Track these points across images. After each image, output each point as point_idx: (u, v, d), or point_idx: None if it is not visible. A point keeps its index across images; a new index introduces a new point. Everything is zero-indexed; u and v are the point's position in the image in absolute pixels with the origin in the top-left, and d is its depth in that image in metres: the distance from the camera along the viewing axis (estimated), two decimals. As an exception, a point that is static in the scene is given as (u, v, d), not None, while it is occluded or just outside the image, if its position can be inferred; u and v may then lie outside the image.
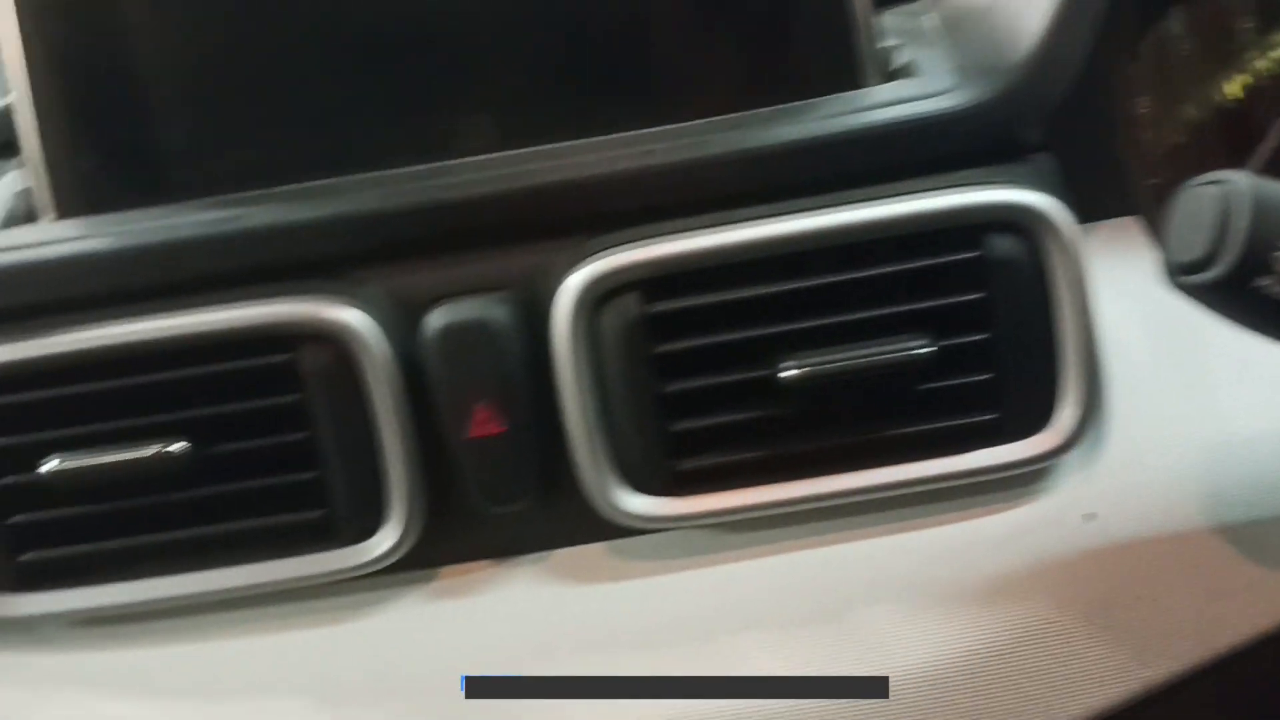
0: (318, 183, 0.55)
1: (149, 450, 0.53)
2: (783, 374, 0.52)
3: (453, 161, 0.55)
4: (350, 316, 0.53)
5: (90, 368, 0.54)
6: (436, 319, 0.54)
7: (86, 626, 0.58)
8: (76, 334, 0.53)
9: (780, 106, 0.55)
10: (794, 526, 0.56)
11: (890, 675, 0.53)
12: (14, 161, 0.60)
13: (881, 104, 0.53)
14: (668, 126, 0.55)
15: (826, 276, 0.53)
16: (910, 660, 0.53)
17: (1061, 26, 0.53)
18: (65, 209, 0.56)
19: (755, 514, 0.55)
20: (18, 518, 0.55)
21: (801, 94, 0.55)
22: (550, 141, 0.55)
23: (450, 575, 0.58)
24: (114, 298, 0.54)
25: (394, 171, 0.55)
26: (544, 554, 0.58)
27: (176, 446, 0.53)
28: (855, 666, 0.53)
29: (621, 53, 0.56)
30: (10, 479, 0.54)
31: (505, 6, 0.55)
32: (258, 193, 0.55)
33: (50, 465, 0.53)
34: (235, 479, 0.54)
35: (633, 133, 0.55)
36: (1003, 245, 0.53)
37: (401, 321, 0.54)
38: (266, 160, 0.56)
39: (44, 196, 0.56)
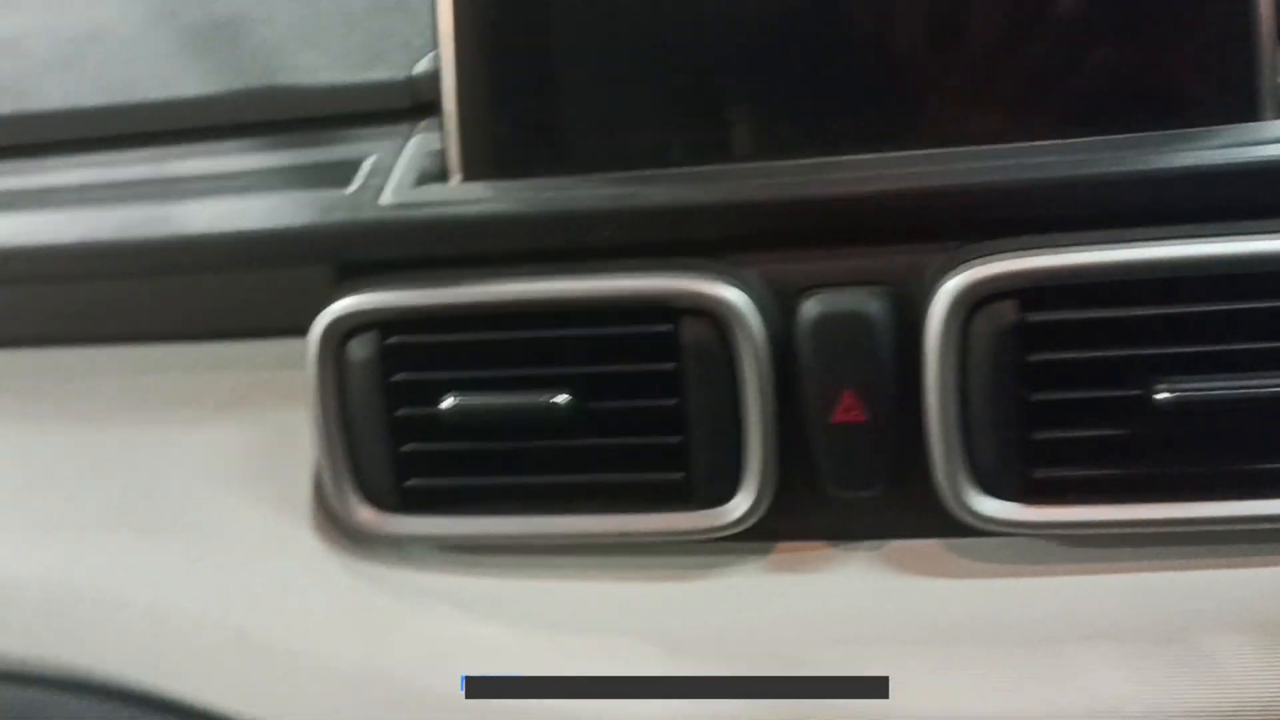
0: (707, 168, 0.58)
1: (537, 398, 0.58)
2: (1159, 396, 0.52)
3: (833, 158, 0.57)
4: (732, 295, 0.56)
5: (489, 319, 0.59)
6: (814, 306, 0.56)
7: (452, 552, 0.63)
8: (481, 287, 0.58)
9: (1174, 131, 0.55)
10: (1143, 547, 0.57)
11: (1229, 707, 0.53)
12: (421, 124, 0.66)
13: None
14: (1057, 141, 0.55)
15: (1209, 304, 0.53)
16: (1250, 693, 0.53)
17: None
18: (472, 171, 0.61)
19: (1107, 530, 0.55)
20: (410, 446, 0.60)
21: (1195, 121, 0.55)
22: (927, 146, 0.56)
23: (788, 550, 0.61)
24: (516, 258, 0.59)
25: (777, 163, 0.57)
26: (881, 542, 0.60)
27: (560, 398, 0.58)
28: (1192, 691, 0.53)
29: (1010, 67, 0.57)
30: (409, 410, 0.60)
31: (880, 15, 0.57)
32: (651, 172, 0.59)
33: (449, 402, 0.58)
34: (608, 435, 0.58)
35: (1018, 144, 0.56)
36: None
37: (774, 305, 0.57)
38: (659, 144, 0.59)
39: (455, 158, 0.61)
